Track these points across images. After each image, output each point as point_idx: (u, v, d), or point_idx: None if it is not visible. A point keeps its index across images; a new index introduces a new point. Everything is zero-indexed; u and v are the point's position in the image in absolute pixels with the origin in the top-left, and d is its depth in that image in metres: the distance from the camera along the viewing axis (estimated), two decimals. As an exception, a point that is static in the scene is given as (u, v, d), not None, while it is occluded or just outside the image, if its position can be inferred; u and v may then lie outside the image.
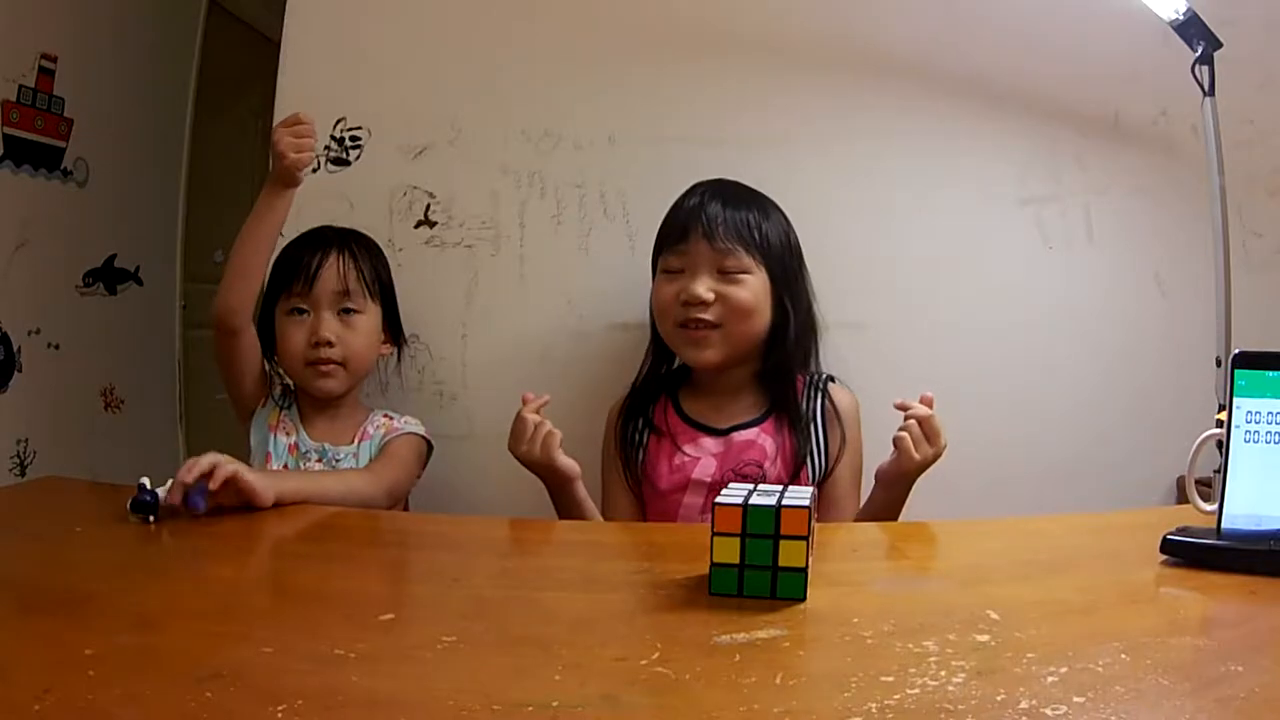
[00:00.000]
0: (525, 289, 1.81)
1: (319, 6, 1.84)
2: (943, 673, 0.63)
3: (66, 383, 2.57)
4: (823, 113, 1.80)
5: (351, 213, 1.80)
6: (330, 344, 1.52)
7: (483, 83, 1.82)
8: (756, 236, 1.46)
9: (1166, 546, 0.89)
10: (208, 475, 1.12)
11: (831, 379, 1.55)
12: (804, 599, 0.79)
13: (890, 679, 0.62)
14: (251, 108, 3.17)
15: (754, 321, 1.45)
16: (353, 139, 1.83)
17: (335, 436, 1.57)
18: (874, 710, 0.57)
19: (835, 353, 1.68)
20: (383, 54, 1.85)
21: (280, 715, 0.57)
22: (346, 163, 1.83)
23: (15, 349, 2.38)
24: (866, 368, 1.68)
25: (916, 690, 0.60)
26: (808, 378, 1.54)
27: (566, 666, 0.65)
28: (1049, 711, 0.57)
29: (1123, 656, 0.65)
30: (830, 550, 0.95)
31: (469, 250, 1.82)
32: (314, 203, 1.78)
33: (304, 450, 1.55)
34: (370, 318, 1.58)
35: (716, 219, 1.44)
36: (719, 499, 0.81)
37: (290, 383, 1.61)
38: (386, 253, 1.71)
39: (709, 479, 1.45)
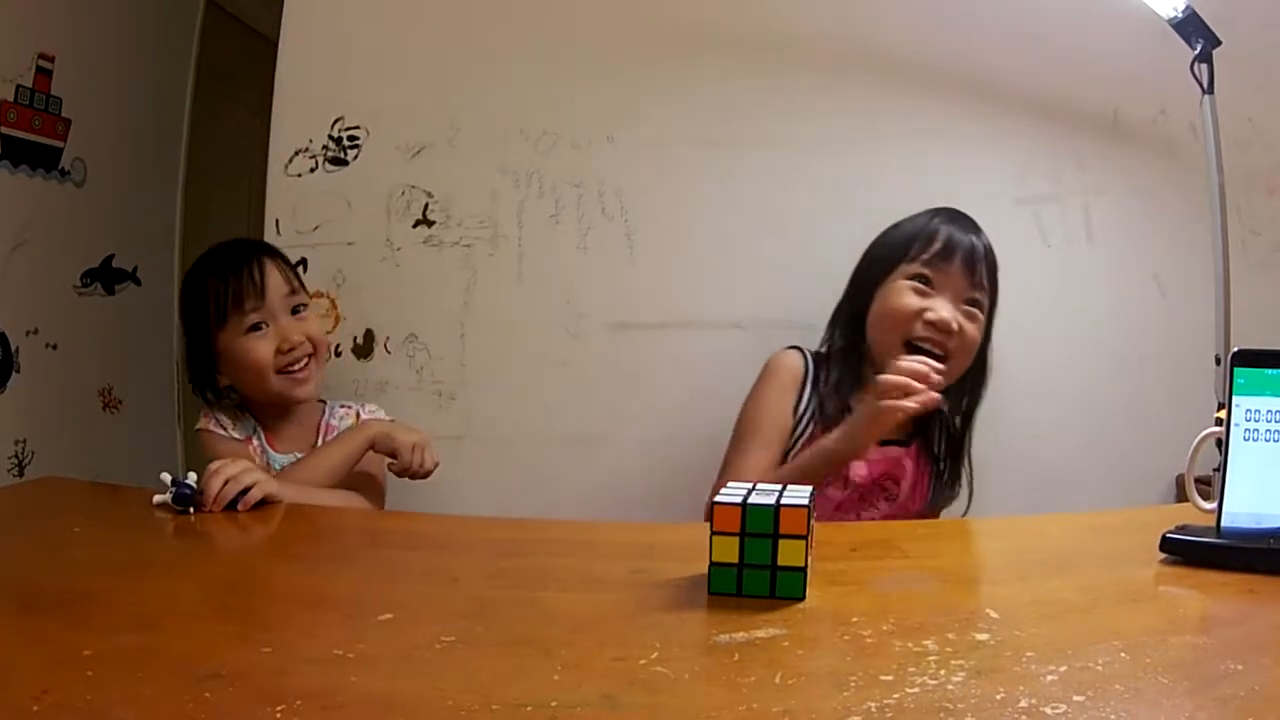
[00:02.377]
0: (524, 288, 1.81)
1: (317, 6, 1.84)
2: (942, 672, 0.63)
3: (65, 383, 2.56)
4: (822, 113, 1.80)
5: (349, 212, 1.80)
6: (300, 343, 1.52)
7: (481, 82, 1.82)
8: (993, 274, 1.49)
9: (1166, 545, 0.89)
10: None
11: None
12: (803, 598, 0.78)
13: (889, 678, 0.62)
14: (250, 107, 3.17)
15: (970, 354, 1.47)
16: (350, 138, 1.83)
17: (302, 441, 1.57)
18: (873, 709, 0.57)
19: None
20: (381, 53, 1.84)
21: (279, 715, 0.57)
22: (344, 162, 1.83)
23: (13, 349, 2.38)
24: (865, 367, 1.68)
25: (916, 689, 0.60)
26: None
27: (565, 666, 0.65)
28: (1048, 710, 0.57)
29: (1122, 655, 0.65)
30: (829, 549, 0.95)
31: (467, 250, 1.82)
32: (312, 203, 1.78)
33: (277, 468, 1.53)
34: (312, 306, 1.61)
35: (979, 251, 1.45)
36: (717, 498, 0.81)
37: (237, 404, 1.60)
38: (385, 252, 1.72)
39: (859, 479, 1.45)
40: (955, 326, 1.41)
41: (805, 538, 0.78)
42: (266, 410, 1.58)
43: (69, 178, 2.57)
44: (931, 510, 1.52)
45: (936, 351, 1.41)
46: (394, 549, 1.11)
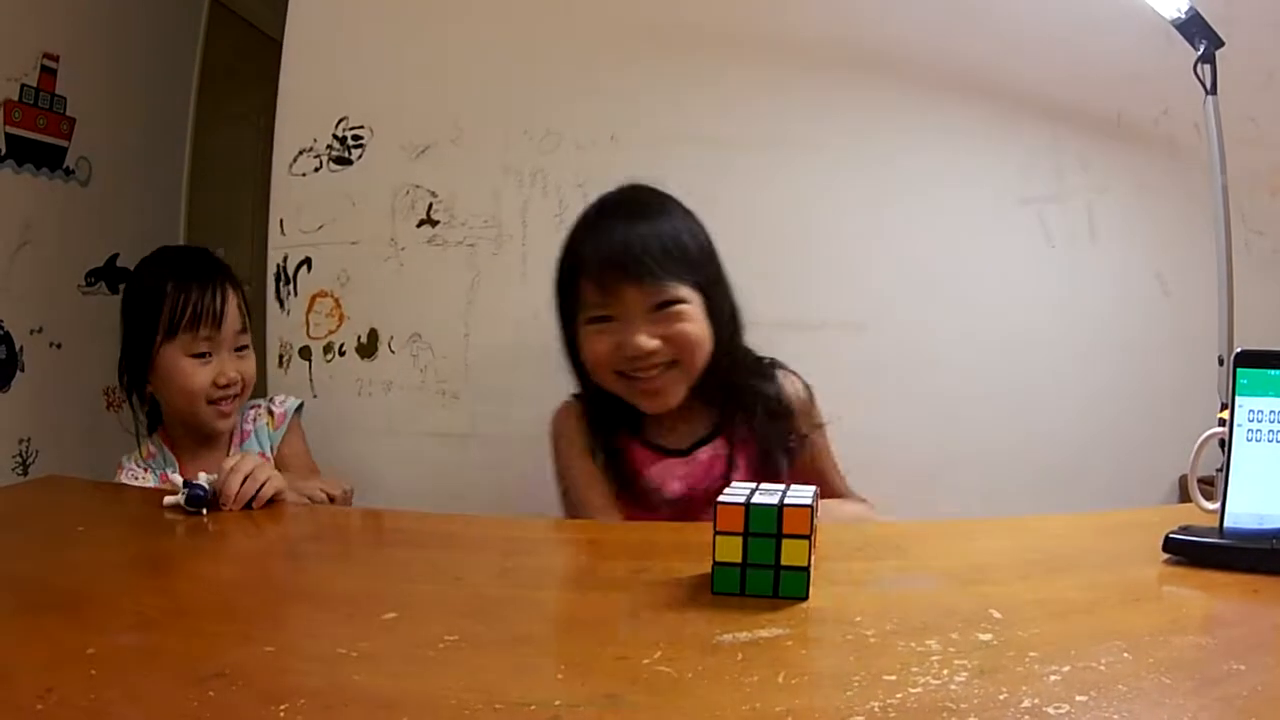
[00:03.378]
0: (527, 288, 1.81)
1: (322, 5, 1.85)
2: (945, 672, 0.63)
3: (69, 382, 2.57)
4: (823, 112, 1.80)
5: (353, 211, 1.80)
6: (235, 382, 1.52)
7: (485, 82, 1.83)
8: (684, 256, 1.31)
9: (1169, 545, 0.89)
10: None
11: (775, 364, 1.43)
12: (806, 598, 0.78)
13: (893, 678, 0.62)
14: (253, 106, 3.17)
15: (705, 348, 1.32)
16: (355, 138, 1.83)
17: (213, 459, 1.49)
18: (876, 709, 0.57)
19: (835, 353, 1.68)
20: (385, 53, 1.85)
21: (282, 714, 0.57)
22: (348, 162, 1.84)
23: (18, 348, 2.39)
24: (866, 368, 1.68)
25: (919, 689, 0.60)
26: (752, 367, 1.42)
27: (568, 665, 0.65)
28: (1051, 710, 0.57)
29: (1125, 655, 0.65)
30: (833, 549, 0.95)
31: (471, 249, 1.82)
32: (316, 202, 1.79)
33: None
34: (252, 346, 1.59)
35: (639, 252, 1.27)
36: (721, 498, 0.81)
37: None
38: (389, 251, 1.72)
39: (676, 494, 1.35)
40: (653, 345, 1.27)
41: (808, 537, 0.79)
42: (184, 425, 1.56)
43: (73, 177, 2.57)
44: (800, 470, 1.36)
45: (652, 373, 1.29)
46: (397, 548, 1.11)
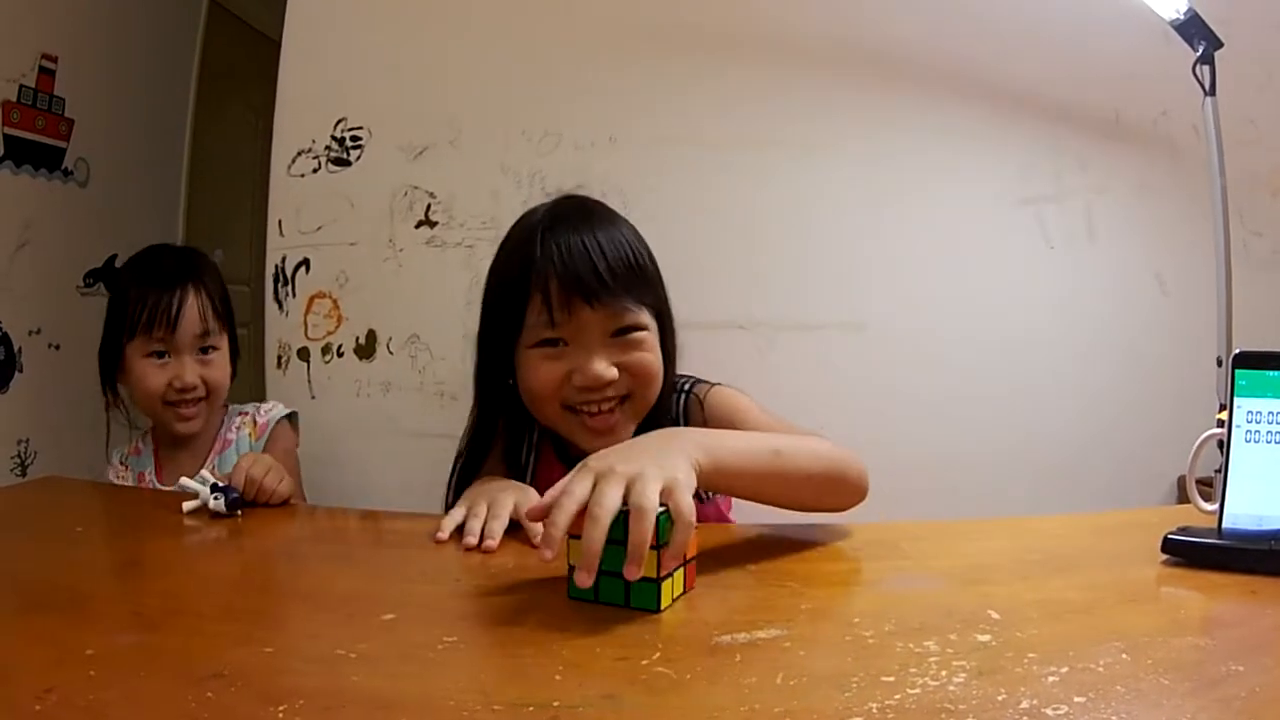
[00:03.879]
0: (526, 289, 1.80)
1: (320, 6, 1.85)
2: (943, 673, 0.63)
3: (67, 383, 2.56)
4: (823, 113, 1.80)
5: (352, 212, 1.80)
6: (195, 387, 1.52)
7: (483, 83, 1.83)
8: (643, 276, 1.17)
9: (1167, 546, 0.89)
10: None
11: (695, 383, 1.28)
12: (658, 610, 0.75)
13: (891, 679, 0.62)
14: (252, 107, 3.18)
15: (658, 380, 1.18)
16: (353, 139, 1.83)
17: (192, 464, 1.51)
18: (875, 710, 0.57)
19: (834, 353, 1.68)
20: (383, 54, 1.85)
21: (281, 715, 0.57)
22: (347, 162, 1.84)
23: (16, 349, 2.38)
24: (866, 368, 1.68)
25: (917, 690, 0.60)
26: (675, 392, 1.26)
27: (567, 666, 0.65)
28: (1050, 711, 0.57)
29: (1124, 656, 0.65)
30: (831, 550, 0.95)
31: (469, 250, 1.82)
32: (315, 203, 1.78)
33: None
34: (224, 349, 1.58)
35: (603, 270, 1.11)
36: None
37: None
38: (387, 252, 1.71)
39: None
40: (612, 374, 1.12)
41: (658, 548, 0.75)
42: (160, 427, 1.58)
43: (72, 178, 2.57)
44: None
45: (605, 407, 1.14)
46: (396, 548, 1.11)
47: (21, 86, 2.36)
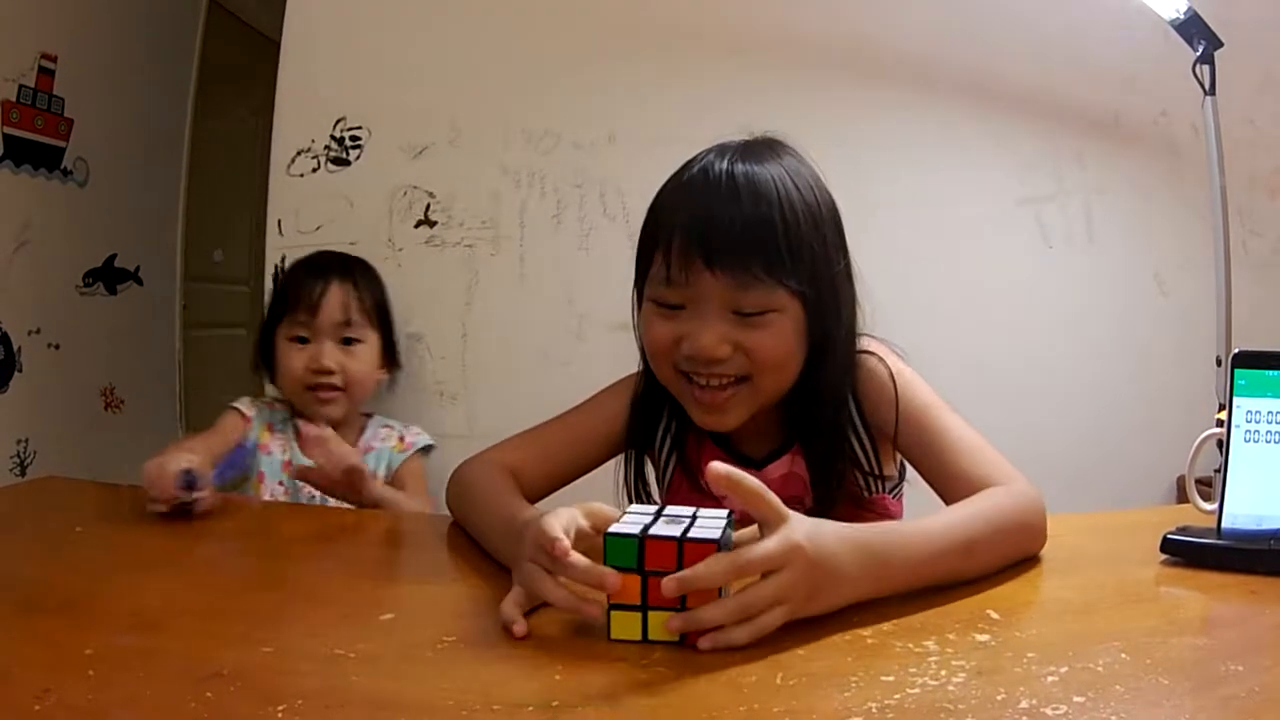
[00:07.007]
0: (525, 289, 1.81)
1: (319, 6, 1.85)
2: (943, 672, 0.63)
3: (67, 383, 2.57)
4: (823, 113, 1.80)
5: (351, 212, 1.80)
6: (331, 372, 1.55)
7: (483, 82, 1.83)
8: (795, 253, 1.01)
9: (1167, 546, 0.89)
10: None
11: (863, 350, 1.16)
12: (642, 640, 0.69)
13: (890, 679, 0.62)
14: (252, 107, 3.18)
15: (788, 369, 1.05)
16: (353, 139, 1.83)
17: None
18: (874, 710, 0.57)
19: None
20: (383, 54, 1.85)
21: (280, 715, 0.57)
22: (346, 162, 1.84)
23: (15, 349, 2.38)
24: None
25: (917, 690, 0.60)
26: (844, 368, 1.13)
27: (567, 666, 0.65)
28: (1049, 711, 0.57)
29: (1123, 656, 0.65)
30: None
31: (469, 250, 1.82)
32: (314, 203, 1.78)
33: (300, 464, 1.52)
34: (370, 346, 1.62)
35: (726, 237, 0.98)
36: (611, 529, 0.70)
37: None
38: (387, 252, 1.72)
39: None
40: (723, 352, 0.99)
41: (640, 572, 0.69)
42: (303, 411, 1.61)
43: (71, 178, 2.57)
44: (841, 505, 1.09)
45: (714, 383, 1.02)
46: (395, 548, 1.11)
47: (21, 86, 2.36)
